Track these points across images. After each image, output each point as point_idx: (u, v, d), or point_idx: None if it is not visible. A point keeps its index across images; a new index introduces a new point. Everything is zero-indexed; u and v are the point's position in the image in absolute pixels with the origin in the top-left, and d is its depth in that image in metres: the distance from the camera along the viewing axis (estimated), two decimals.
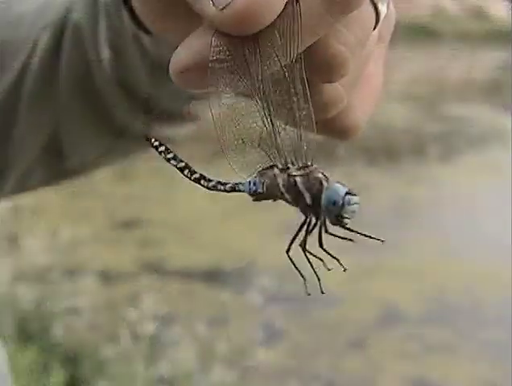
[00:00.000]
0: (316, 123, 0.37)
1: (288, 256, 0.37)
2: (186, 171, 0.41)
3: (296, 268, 0.36)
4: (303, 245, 0.37)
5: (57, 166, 0.64)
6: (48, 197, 4.25)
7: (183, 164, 0.41)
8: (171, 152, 0.41)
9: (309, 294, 0.37)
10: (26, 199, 3.99)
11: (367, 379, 3.05)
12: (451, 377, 3.06)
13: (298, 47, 0.35)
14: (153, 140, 0.42)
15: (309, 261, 0.37)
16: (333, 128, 0.41)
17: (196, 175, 0.41)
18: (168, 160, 0.41)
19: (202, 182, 0.41)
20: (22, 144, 0.61)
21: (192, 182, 0.41)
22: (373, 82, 0.44)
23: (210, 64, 0.34)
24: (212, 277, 3.82)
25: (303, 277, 0.37)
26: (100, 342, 2.93)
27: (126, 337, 2.93)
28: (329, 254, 0.37)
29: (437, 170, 5.91)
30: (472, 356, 3.18)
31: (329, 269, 0.37)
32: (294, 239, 0.37)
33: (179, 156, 0.41)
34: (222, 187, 0.40)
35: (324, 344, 3.23)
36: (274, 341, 3.18)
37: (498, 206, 4.96)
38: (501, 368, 3.05)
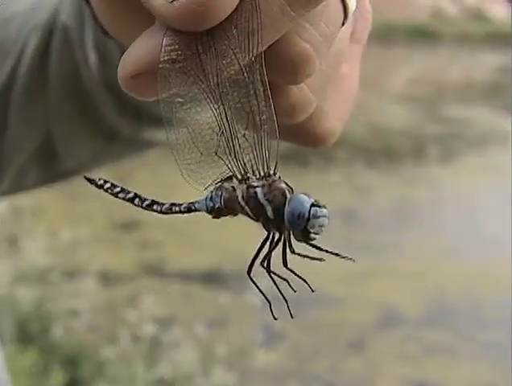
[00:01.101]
0: (286, 130, 0.34)
1: (250, 277, 0.34)
2: (136, 200, 0.38)
3: (260, 291, 0.34)
4: (265, 265, 0.34)
5: (52, 166, 0.63)
6: (48, 198, 4.25)
7: (131, 195, 0.39)
8: (117, 186, 0.39)
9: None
10: (26, 201, 3.99)
11: (367, 380, 3.05)
12: (450, 379, 3.06)
13: (258, 44, 0.31)
14: (97, 180, 0.39)
15: (274, 282, 0.34)
16: (304, 135, 0.38)
17: (147, 202, 0.38)
18: (116, 195, 0.39)
19: (155, 207, 0.38)
20: (15, 144, 0.61)
21: (145, 210, 0.38)
22: (347, 85, 0.40)
23: (160, 65, 0.31)
24: (212, 278, 3.82)
25: (268, 301, 0.34)
26: (100, 344, 2.93)
27: (126, 338, 2.93)
28: (296, 275, 0.34)
29: (437, 171, 5.91)
30: (472, 358, 3.18)
31: (295, 291, 0.34)
32: (255, 257, 0.34)
33: (126, 187, 0.39)
34: (177, 209, 0.38)
35: (323, 346, 3.23)
36: (274, 342, 3.18)
37: (498, 207, 4.96)
38: (501, 370, 3.05)
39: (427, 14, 14.17)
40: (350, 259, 0.34)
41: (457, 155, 6.34)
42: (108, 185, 0.39)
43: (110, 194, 0.39)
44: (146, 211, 0.38)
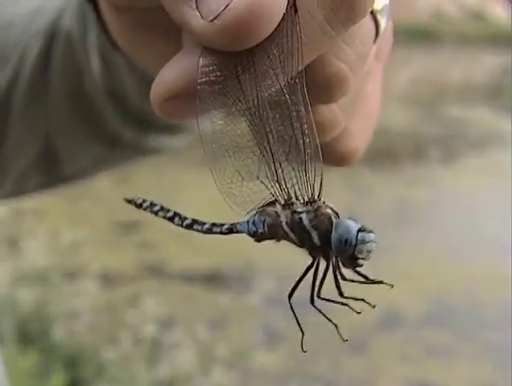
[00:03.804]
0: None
1: (290, 304, 0.34)
2: (176, 219, 0.38)
3: (324, 315, 0.34)
4: (317, 295, 0.34)
5: (53, 171, 0.63)
6: (49, 199, 4.25)
7: (171, 213, 0.38)
8: (155, 204, 0.38)
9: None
10: (27, 202, 3.98)
11: (367, 381, 3.05)
12: (451, 379, 3.06)
13: (298, 64, 0.30)
14: (135, 198, 0.39)
15: (323, 313, 0.34)
16: (330, 154, 0.37)
17: (188, 221, 0.37)
18: (156, 213, 0.38)
19: (195, 226, 0.37)
20: (16, 148, 0.60)
21: (186, 229, 0.37)
22: (371, 104, 0.40)
23: (199, 87, 0.30)
24: (213, 279, 3.82)
25: (302, 331, 0.34)
26: (100, 345, 2.92)
27: (127, 339, 2.93)
28: (352, 298, 0.34)
29: (437, 172, 5.90)
30: (472, 358, 3.17)
31: (359, 313, 0.34)
32: (297, 285, 0.34)
33: (166, 206, 0.38)
34: (218, 229, 0.36)
35: (324, 346, 3.23)
36: (274, 343, 3.18)
37: (499, 208, 4.96)
38: (501, 370, 3.05)
39: (428, 15, 14.17)
40: (390, 285, 0.34)
41: (458, 156, 6.34)
42: (147, 204, 0.39)
43: (150, 212, 0.39)
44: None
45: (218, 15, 0.28)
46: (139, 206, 0.39)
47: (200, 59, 0.30)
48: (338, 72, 0.32)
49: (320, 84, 0.32)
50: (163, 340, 3.01)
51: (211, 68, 0.30)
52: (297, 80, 0.31)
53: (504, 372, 3.01)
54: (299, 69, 0.31)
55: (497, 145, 6.63)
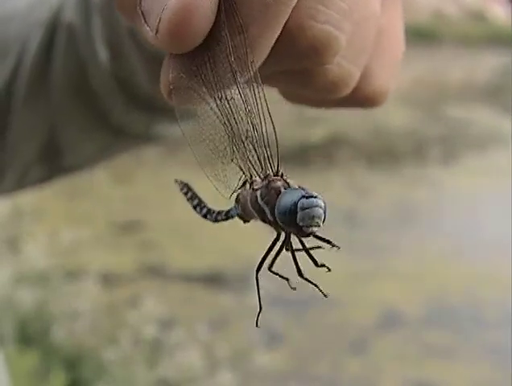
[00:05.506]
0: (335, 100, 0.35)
1: (256, 278, 0.34)
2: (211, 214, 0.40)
3: (258, 293, 0.34)
4: (268, 268, 0.34)
5: (57, 161, 0.63)
6: (48, 199, 4.25)
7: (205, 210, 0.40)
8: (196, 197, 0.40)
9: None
10: (27, 201, 3.99)
11: (368, 381, 3.05)
12: (451, 379, 3.06)
13: (245, 41, 0.31)
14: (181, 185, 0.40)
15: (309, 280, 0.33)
16: (356, 99, 0.37)
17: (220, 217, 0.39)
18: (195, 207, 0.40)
19: (208, 216, 0.39)
20: (17, 142, 0.61)
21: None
22: (389, 38, 0.39)
23: (171, 86, 0.32)
24: (213, 279, 3.82)
25: (261, 306, 0.35)
26: (100, 346, 2.92)
27: (127, 340, 2.93)
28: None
29: (438, 172, 5.90)
30: (472, 359, 3.17)
31: (294, 288, 0.34)
32: (263, 259, 0.34)
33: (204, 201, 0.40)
34: (220, 217, 0.39)
35: (324, 346, 3.23)
36: (275, 343, 3.18)
37: (499, 208, 4.96)
38: (501, 370, 3.05)
39: (428, 15, 14.16)
40: (337, 247, 0.32)
41: (458, 156, 6.34)
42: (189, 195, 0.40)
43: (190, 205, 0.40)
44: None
45: (157, 29, 0.30)
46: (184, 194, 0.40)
47: (169, 59, 0.32)
48: (320, 34, 0.32)
49: (306, 50, 0.32)
50: (164, 340, 3.01)
51: (176, 66, 0.32)
52: (247, 58, 0.31)
53: (504, 372, 3.01)
54: (251, 46, 0.31)
55: (497, 146, 6.63)
